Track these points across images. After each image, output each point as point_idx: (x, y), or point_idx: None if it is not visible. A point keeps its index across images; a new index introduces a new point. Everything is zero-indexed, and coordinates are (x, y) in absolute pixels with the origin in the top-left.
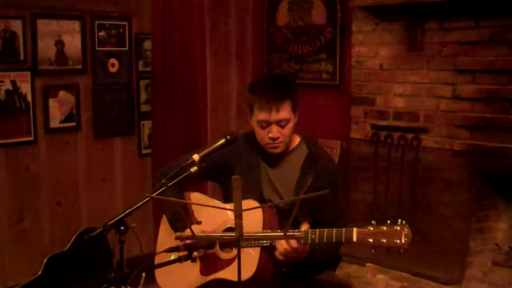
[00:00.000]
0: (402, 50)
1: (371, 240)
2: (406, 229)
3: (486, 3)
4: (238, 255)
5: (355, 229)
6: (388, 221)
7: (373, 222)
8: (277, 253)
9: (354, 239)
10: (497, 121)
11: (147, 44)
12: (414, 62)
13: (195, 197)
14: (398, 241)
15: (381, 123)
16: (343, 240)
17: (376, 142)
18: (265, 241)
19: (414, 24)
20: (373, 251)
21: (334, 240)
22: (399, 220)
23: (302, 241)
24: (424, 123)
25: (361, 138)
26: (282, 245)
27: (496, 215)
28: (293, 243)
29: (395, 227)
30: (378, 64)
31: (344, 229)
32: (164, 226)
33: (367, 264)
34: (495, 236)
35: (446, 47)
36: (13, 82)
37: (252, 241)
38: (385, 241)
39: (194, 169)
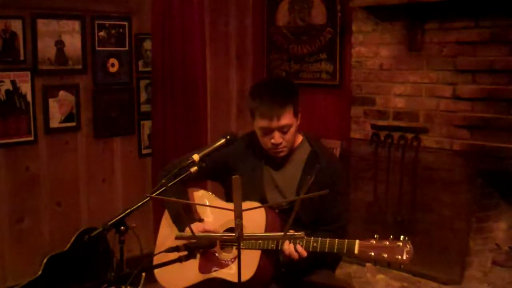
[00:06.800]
0: (402, 50)
1: (373, 254)
2: (408, 246)
3: (486, 3)
4: (238, 255)
5: (357, 242)
6: (391, 236)
7: (376, 236)
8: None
9: (356, 251)
10: (497, 121)
11: (147, 44)
12: (414, 62)
13: (200, 194)
14: (400, 257)
15: (381, 123)
16: (345, 251)
17: (376, 142)
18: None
19: (414, 24)
20: (373, 264)
21: (335, 251)
22: (402, 236)
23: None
24: (424, 123)
25: (361, 138)
26: (286, 247)
27: (496, 215)
28: (301, 250)
29: (398, 243)
30: (378, 64)
31: (346, 241)
32: (166, 221)
33: (367, 264)
34: (495, 236)
35: (446, 47)
36: (13, 82)
37: (252, 241)
38: (386, 256)
39: (194, 169)
